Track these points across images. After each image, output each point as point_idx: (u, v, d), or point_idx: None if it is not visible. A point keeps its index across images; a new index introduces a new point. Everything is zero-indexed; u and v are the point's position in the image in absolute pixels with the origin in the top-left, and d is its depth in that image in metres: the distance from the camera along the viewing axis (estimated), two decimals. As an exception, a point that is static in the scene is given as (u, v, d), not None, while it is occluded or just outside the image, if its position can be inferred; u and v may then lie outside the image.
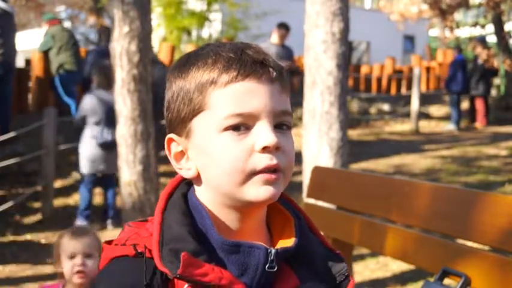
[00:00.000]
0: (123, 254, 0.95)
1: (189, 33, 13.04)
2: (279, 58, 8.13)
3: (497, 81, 13.14)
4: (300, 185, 4.73)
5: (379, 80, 14.67)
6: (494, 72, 12.38)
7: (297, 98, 8.79)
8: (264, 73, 0.94)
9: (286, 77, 0.98)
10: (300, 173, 4.61)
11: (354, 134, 10.79)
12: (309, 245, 1.01)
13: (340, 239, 2.52)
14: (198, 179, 0.98)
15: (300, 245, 0.99)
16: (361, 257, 4.89)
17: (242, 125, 0.92)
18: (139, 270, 0.92)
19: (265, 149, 0.92)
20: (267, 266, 0.94)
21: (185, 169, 0.99)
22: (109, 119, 5.81)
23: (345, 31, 4.07)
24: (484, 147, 9.89)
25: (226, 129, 0.92)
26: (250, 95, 0.92)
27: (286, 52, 8.28)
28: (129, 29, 4.94)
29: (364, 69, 14.70)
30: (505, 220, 1.77)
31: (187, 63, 0.98)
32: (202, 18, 12.88)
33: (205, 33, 13.36)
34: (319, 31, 4.04)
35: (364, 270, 4.67)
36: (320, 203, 2.76)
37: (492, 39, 14.52)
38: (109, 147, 5.86)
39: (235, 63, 0.93)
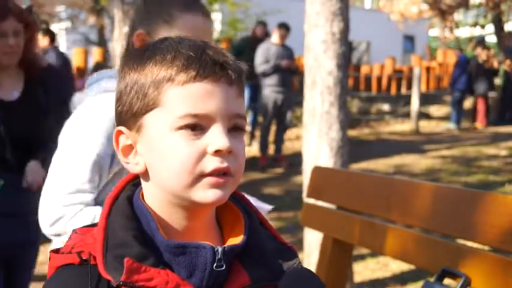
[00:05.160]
0: (68, 262, 0.94)
1: (189, 33, 13.03)
2: (279, 58, 8.18)
3: (497, 81, 13.15)
4: (300, 185, 4.72)
5: (379, 80, 14.68)
6: (494, 72, 12.39)
7: (297, 98, 8.81)
8: (223, 75, 0.93)
9: (244, 79, 0.98)
10: (300, 173, 4.61)
11: (353, 134, 10.79)
12: (260, 241, 0.99)
13: (340, 239, 2.52)
14: (145, 175, 0.97)
15: (251, 241, 0.97)
16: (361, 257, 4.90)
17: (196, 126, 0.91)
18: (83, 279, 0.90)
19: (217, 152, 0.91)
20: (214, 265, 0.92)
21: (132, 164, 0.97)
22: None
23: (345, 31, 4.07)
24: (484, 147, 9.90)
25: (180, 128, 0.91)
26: (207, 96, 0.91)
27: (287, 52, 8.32)
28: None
29: (364, 69, 14.71)
30: (505, 220, 1.77)
31: (144, 56, 0.96)
32: (202, 18, 12.85)
33: (205, 33, 13.35)
34: (319, 31, 4.03)
35: (364, 270, 4.67)
36: (320, 203, 2.76)
37: (492, 39, 14.51)
38: None
39: (195, 63, 0.92)
